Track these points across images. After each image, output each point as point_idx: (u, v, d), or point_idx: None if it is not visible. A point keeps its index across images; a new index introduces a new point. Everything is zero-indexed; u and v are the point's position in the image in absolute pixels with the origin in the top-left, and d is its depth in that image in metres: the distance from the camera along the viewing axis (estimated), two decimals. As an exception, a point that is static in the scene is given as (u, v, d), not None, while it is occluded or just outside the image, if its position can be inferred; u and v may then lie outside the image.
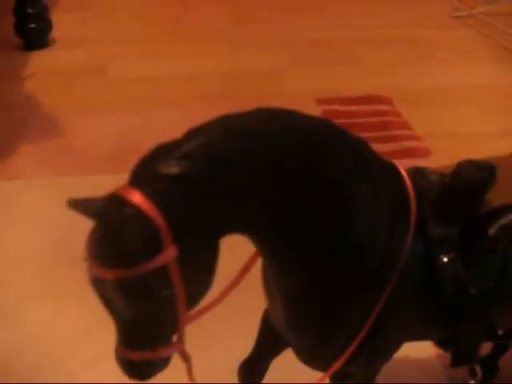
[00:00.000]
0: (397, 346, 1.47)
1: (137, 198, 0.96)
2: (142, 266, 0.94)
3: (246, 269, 1.36)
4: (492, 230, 1.37)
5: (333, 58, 4.51)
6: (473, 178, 1.36)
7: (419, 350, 2.28)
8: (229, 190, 1.04)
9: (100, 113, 3.79)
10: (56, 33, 4.60)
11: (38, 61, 4.41)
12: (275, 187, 1.09)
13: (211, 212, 1.03)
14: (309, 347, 1.40)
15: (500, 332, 1.55)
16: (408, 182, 1.35)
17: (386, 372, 1.82)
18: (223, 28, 4.90)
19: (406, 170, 1.39)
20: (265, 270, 1.43)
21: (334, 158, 1.18)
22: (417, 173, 1.41)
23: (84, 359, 2.22)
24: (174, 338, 1.12)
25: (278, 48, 4.61)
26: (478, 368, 1.55)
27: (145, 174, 1.01)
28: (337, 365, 1.34)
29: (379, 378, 1.62)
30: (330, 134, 1.21)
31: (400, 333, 1.42)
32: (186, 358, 1.16)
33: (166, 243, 0.96)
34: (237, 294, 2.39)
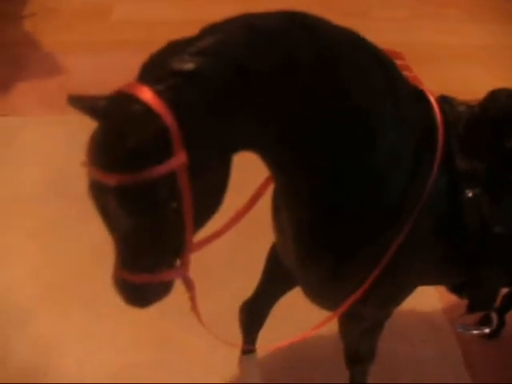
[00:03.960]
0: (411, 288, 1.38)
1: (146, 94, 0.84)
2: (149, 171, 0.83)
3: (257, 195, 1.26)
4: None
5: (342, 12, 4.36)
6: (506, 107, 1.24)
7: (425, 304, 2.24)
8: (245, 96, 0.93)
9: (101, 53, 3.67)
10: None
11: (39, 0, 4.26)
12: (293, 101, 0.98)
13: (226, 117, 0.91)
14: (319, 284, 1.30)
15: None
16: (437, 110, 1.22)
17: (391, 326, 1.77)
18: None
19: (435, 99, 1.27)
20: (275, 198, 1.32)
21: (363, 78, 1.05)
22: (445, 102, 1.29)
23: (79, 298, 2.17)
24: (178, 263, 1.02)
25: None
26: (493, 315, 1.45)
27: (155, 69, 0.89)
28: (348, 303, 1.25)
29: (384, 333, 1.55)
30: (362, 51, 1.08)
31: (417, 273, 1.32)
32: (190, 285, 1.06)
33: (175, 147, 0.85)
34: (241, 237, 2.35)
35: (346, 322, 1.44)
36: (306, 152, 1.05)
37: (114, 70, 3.39)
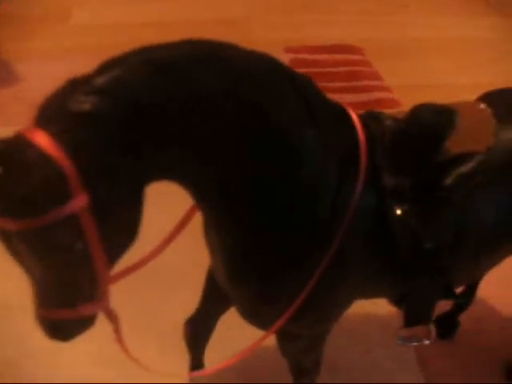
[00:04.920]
0: (345, 305, 1.38)
1: (41, 138, 0.83)
2: (47, 216, 0.82)
3: (182, 224, 1.25)
4: (449, 180, 1.25)
5: (305, 5, 4.36)
6: (430, 123, 1.24)
7: (379, 307, 2.25)
8: (150, 132, 0.92)
9: (59, 60, 3.60)
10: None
11: (-3, 5, 4.21)
12: (206, 131, 0.97)
13: (129, 154, 0.90)
14: (248, 305, 1.30)
15: (456, 290, 1.45)
16: (359, 127, 1.22)
17: (346, 330, 1.77)
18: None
19: (359, 115, 1.26)
20: (205, 221, 1.32)
21: (280, 104, 1.05)
22: (371, 117, 1.28)
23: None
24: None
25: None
26: (431, 328, 1.45)
27: (51, 111, 0.87)
28: (278, 323, 1.24)
29: (339, 338, 1.54)
30: (272, 73, 1.06)
31: (348, 290, 1.31)
32: (112, 318, 1.05)
33: (74, 190, 0.83)
34: (193, 249, 2.33)
35: (283, 341, 1.44)
36: (226, 180, 1.05)
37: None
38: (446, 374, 2.11)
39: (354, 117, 1.23)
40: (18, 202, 0.82)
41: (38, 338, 1.88)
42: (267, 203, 1.10)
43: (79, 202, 0.84)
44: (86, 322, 1.02)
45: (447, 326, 2.15)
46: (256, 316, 1.33)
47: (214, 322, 1.66)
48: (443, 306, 2.03)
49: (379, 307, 2.22)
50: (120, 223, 0.94)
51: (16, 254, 0.91)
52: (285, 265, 1.19)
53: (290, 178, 1.09)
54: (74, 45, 3.78)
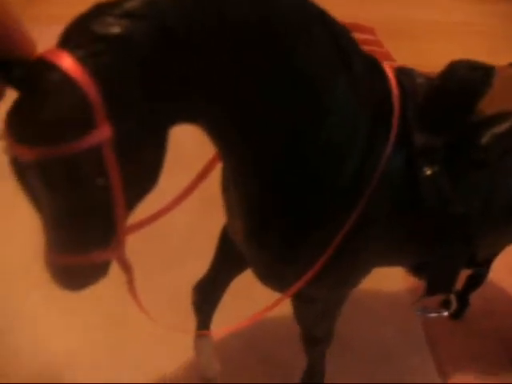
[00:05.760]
0: (365, 270, 1.32)
1: (66, 61, 0.75)
2: (69, 145, 0.75)
3: (202, 174, 1.18)
4: (484, 140, 1.18)
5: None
6: (466, 79, 1.17)
7: (388, 284, 2.21)
8: (177, 64, 0.84)
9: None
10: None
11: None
12: (233, 67, 0.89)
13: (155, 87, 0.83)
14: (268, 265, 1.23)
15: (479, 259, 1.39)
16: (393, 82, 1.15)
17: (355, 307, 1.73)
18: None
19: (391, 70, 1.20)
20: (224, 176, 1.25)
21: (309, 43, 0.97)
22: (403, 73, 1.21)
23: (32, 278, 2.05)
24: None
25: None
26: (453, 298, 1.40)
27: (78, 34, 0.79)
28: (298, 285, 1.18)
29: (347, 314, 1.50)
30: (307, 13, 0.98)
31: (371, 254, 1.25)
32: (126, 268, 0.98)
33: (98, 120, 0.76)
34: (199, 216, 2.28)
35: (299, 304, 1.38)
36: (250, 126, 0.98)
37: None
38: (454, 354, 2.07)
39: (388, 70, 1.16)
40: (40, 129, 0.75)
41: (31, 303, 1.98)
42: (292, 156, 1.03)
43: (103, 133, 0.77)
44: (99, 272, 0.95)
45: (457, 306, 2.08)
46: (274, 277, 1.27)
47: (223, 287, 1.60)
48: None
49: (389, 284, 2.21)
50: (141, 165, 0.87)
51: (29, 189, 0.83)
52: (308, 224, 1.13)
53: (317, 129, 1.02)
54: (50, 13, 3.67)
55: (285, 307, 1.43)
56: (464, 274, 1.59)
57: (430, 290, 1.35)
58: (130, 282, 1.03)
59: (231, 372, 1.84)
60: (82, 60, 0.76)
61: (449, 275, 1.34)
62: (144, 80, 0.81)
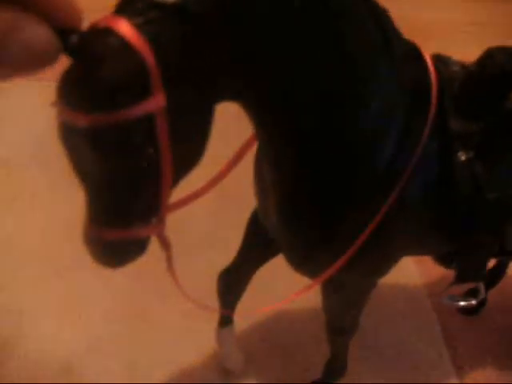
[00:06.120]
0: (397, 258, 1.31)
1: (123, 27, 0.75)
2: (124, 112, 0.74)
3: (240, 154, 1.18)
4: None
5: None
6: (504, 65, 1.18)
7: (405, 279, 2.21)
8: (230, 36, 0.84)
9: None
10: None
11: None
12: (283, 43, 0.89)
13: (208, 59, 0.83)
14: (303, 249, 1.23)
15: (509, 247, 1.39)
16: (432, 69, 1.15)
17: (371, 301, 1.72)
18: None
19: (429, 56, 1.20)
20: (258, 159, 1.25)
21: (358, 28, 0.97)
22: (440, 60, 1.21)
23: (53, 268, 2.10)
24: (153, 221, 0.94)
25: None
26: (481, 286, 1.40)
27: (135, 1, 0.79)
28: (331, 270, 1.18)
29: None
30: None
31: (403, 241, 1.25)
32: (166, 244, 0.98)
33: (154, 87, 0.76)
34: (222, 205, 2.27)
35: (329, 291, 1.38)
36: (295, 106, 0.97)
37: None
38: (470, 349, 2.07)
39: (427, 58, 1.16)
40: (95, 94, 0.74)
41: (50, 294, 1.98)
42: (331, 138, 1.03)
43: (158, 101, 0.77)
44: (139, 248, 0.94)
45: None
46: (308, 262, 1.26)
47: (251, 273, 1.60)
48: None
49: (405, 278, 2.21)
50: (188, 139, 0.87)
51: (75, 158, 0.82)
52: (344, 207, 1.12)
53: (358, 112, 1.02)
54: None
55: (305, 302, 1.41)
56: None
57: (460, 279, 1.35)
58: (169, 259, 1.02)
59: (251, 365, 1.84)
60: (140, 27, 0.75)
61: (479, 263, 1.34)
62: (197, 51, 0.81)
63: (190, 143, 0.88)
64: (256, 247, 1.52)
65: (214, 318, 1.72)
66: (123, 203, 0.86)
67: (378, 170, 1.10)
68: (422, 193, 1.17)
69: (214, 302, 1.66)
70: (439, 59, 1.22)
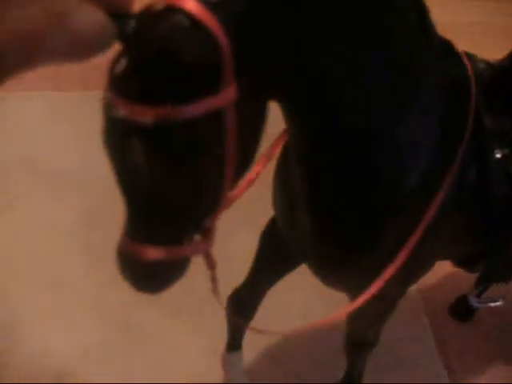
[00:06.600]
0: (432, 264, 1.26)
1: (191, 5, 0.64)
2: (196, 105, 0.64)
3: (272, 151, 1.10)
4: None
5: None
6: None
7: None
8: (292, 22, 0.75)
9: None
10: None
11: None
12: (326, 43, 0.81)
13: (271, 47, 0.75)
14: (339, 259, 1.15)
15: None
16: (468, 65, 1.11)
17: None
18: None
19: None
20: (281, 172, 1.17)
21: (404, 21, 0.90)
22: (468, 57, 1.18)
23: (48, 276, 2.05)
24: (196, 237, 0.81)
25: None
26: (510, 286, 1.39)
27: None
28: (383, 278, 1.10)
29: None
30: None
31: (439, 246, 1.20)
32: (212, 264, 0.87)
33: (227, 77, 0.66)
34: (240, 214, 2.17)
35: (365, 302, 1.31)
36: (336, 107, 0.89)
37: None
38: (463, 355, 2.05)
39: (462, 54, 1.12)
40: (164, 84, 0.63)
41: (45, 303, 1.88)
42: (378, 136, 0.96)
43: (230, 93, 0.67)
44: (181, 270, 0.82)
45: (467, 308, 2.09)
46: (342, 275, 1.19)
47: (263, 293, 1.50)
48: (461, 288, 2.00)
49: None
50: (249, 137, 0.77)
51: (124, 161, 0.69)
52: (387, 215, 1.06)
53: (403, 113, 0.96)
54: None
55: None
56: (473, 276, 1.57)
57: (487, 279, 1.32)
58: (214, 280, 0.92)
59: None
60: (213, 8, 0.65)
61: (508, 264, 1.31)
62: (267, 37, 0.73)
63: (249, 143, 0.78)
64: (271, 264, 1.43)
65: (209, 329, 1.65)
66: (176, 215, 0.74)
67: (421, 174, 1.04)
68: (459, 195, 1.12)
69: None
70: (467, 56, 1.18)
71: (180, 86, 0.64)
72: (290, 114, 0.91)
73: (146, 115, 0.63)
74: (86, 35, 0.43)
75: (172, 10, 0.64)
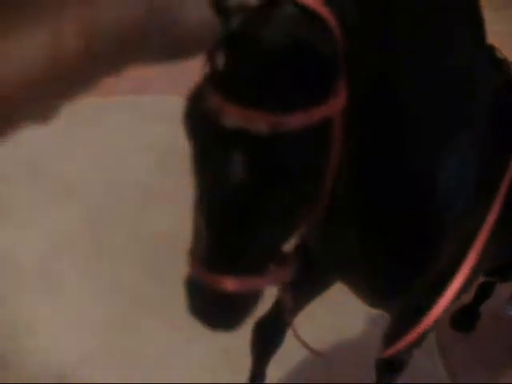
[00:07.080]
0: (477, 278, 1.24)
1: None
2: (311, 112, 0.57)
3: None
4: None
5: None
6: None
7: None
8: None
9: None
10: None
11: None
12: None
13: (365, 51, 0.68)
14: (387, 275, 1.08)
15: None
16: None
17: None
18: None
19: None
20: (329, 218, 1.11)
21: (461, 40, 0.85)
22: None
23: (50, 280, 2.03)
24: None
25: None
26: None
27: None
28: (453, 291, 1.05)
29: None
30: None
31: (486, 260, 1.16)
32: (288, 295, 0.83)
33: (341, 82, 0.59)
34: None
35: (407, 319, 1.25)
36: (388, 129, 0.83)
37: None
38: (464, 359, 2.05)
39: (509, 62, 1.10)
40: (284, 88, 0.56)
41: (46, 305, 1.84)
42: (435, 161, 0.91)
43: (342, 99, 0.60)
44: (255, 302, 0.73)
45: (468, 319, 2.09)
46: (397, 289, 1.12)
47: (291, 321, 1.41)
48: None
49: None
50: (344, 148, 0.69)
51: (219, 177, 0.60)
52: (442, 233, 1.01)
53: (460, 134, 0.92)
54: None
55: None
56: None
57: None
58: (290, 312, 0.84)
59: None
60: (327, 3, 0.58)
61: None
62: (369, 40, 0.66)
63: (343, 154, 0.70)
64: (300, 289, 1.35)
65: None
66: (265, 241, 0.65)
67: (475, 191, 1.00)
68: (507, 213, 1.08)
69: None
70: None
71: (299, 89, 0.56)
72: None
73: (260, 123, 0.56)
74: (197, 31, 0.41)
75: (279, 3, 0.56)
